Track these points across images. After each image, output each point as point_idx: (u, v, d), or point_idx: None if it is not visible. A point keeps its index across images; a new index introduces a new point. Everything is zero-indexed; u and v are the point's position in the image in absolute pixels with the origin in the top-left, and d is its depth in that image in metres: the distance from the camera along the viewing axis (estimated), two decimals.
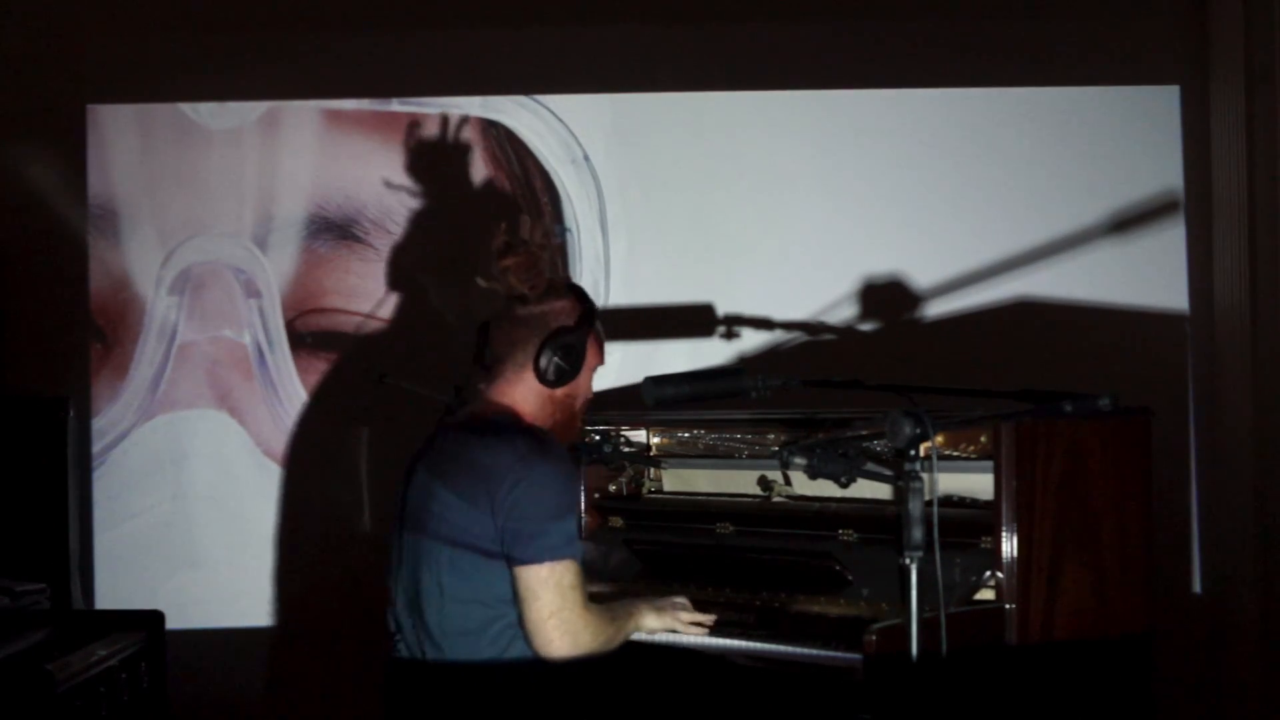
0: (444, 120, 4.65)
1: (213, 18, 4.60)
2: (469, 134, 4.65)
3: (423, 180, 4.63)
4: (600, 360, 3.01)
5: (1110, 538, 3.03)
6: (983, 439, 3.02)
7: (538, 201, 4.65)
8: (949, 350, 4.57)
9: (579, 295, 2.96)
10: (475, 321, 3.00)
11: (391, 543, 2.97)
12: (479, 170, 4.65)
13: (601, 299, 4.60)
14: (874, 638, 2.72)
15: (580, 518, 2.87)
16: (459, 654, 2.80)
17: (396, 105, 4.65)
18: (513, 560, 2.77)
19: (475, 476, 2.80)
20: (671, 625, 3.03)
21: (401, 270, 4.64)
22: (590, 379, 2.99)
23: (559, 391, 2.91)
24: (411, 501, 2.91)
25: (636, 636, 3.00)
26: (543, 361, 2.87)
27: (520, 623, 2.79)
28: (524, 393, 2.90)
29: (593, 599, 2.97)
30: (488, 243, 2.90)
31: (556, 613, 2.77)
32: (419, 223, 4.65)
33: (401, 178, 4.63)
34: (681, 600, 3.10)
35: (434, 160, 4.64)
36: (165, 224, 4.63)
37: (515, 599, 2.79)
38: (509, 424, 2.87)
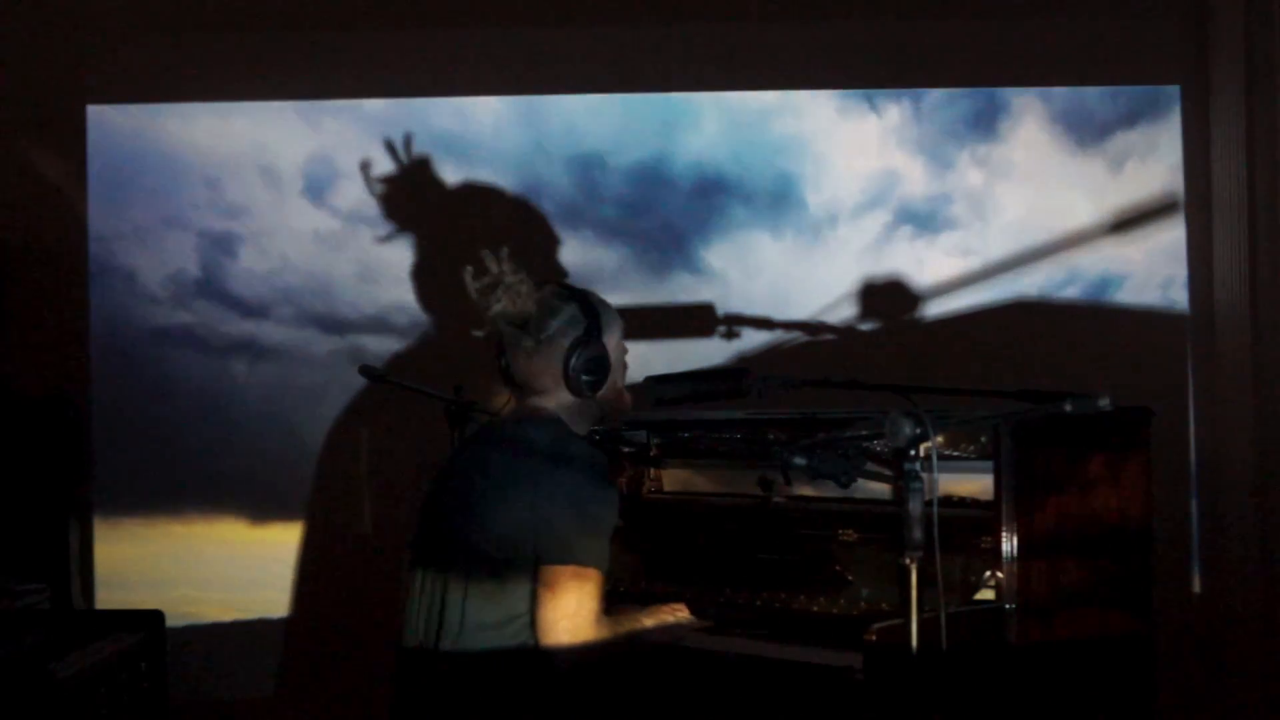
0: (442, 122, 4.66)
1: (213, 18, 4.60)
2: (470, 132, 4.65)
3: (427, 180, 4.63)
4: (624, 349, 3.03)
5: (1110, 538, 3.03)
6: (983, 439, 3.02)
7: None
8: (949, 350, 4.57)
9: (580, 300, 2.96)
10: (477, 321, 2.97)
11: (418, 539, 2.97)
12: (482, 169, 4.64)
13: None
14: (874, 638, 2.72)
15: (610, 526, 2.86)
16: (474, 648, 2.80)
17: (401, 101, 4.66)
18: (541, 558, 2.78)
19: (519, 478, 2.81)
20: (678, 638, 3.04)
21: (401, 268, 4.64)
22: (623, 370, 3.02)
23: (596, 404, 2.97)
24: (445, 499, 2.91)
25: None
26: (573, 381, 2.90)
27: (532, 617, 2.79)
28: (563, 399, 2.94)
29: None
30: (466, 295, 2.87)
31: (571, 616, 2.77)
32: (421, 222, 4.65)
33: (403, 175, 4.64)
34: (679, 607, 3.10)
35: (437, 160, 4.64)
36: (168, 213, 4.64)
37: (533, 595, 2.79)
38: (557, 432, 2.90)
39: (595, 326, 2.93)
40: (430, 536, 2.93)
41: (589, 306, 2.95)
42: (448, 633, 2.82)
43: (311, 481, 4.61)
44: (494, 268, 2.88)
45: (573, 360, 2.89)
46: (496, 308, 2.87)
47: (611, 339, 2.97)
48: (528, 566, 2.79)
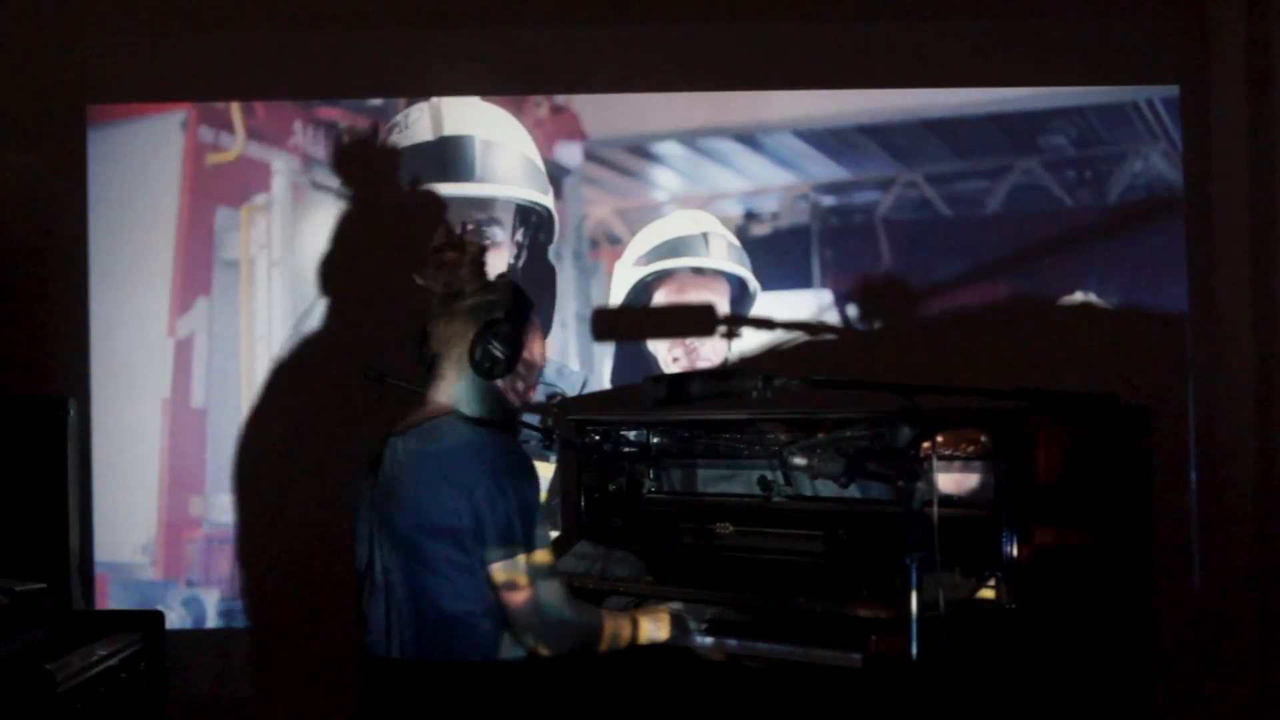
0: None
1: (213, 17, 4.60)
2: (489, 145, 4.64)
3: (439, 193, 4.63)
4: (538, 358, 3.06)
5: (1110, 537, 3.03)
6: (982, 439, 3.02)
7: (553, 217, 4.64)
8: (949, 350, 4.57)
9: (514, 290, 3.01)
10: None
11: (360, 553, 3.00)
12: (490, 184, 4.64)
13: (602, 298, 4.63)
14: (874, 638, 2.72)
15: (539, 505, 2.89)
16: (469, 635, 2.82)
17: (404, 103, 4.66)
18: (486, 559, 2.80)
19: (433, 485, 2.84)
20: (678, 639, 3.05)
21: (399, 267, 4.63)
22: (529, 376, 3.04)
23: (499, 384, 2.96)
24: (376, 512, 2.95)
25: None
26: (478, 353, 2.91)
27: (504, 619, 2.81)
28: (465, 388, 2.95)
29: (594, 601, 2.97)
30: (426, 245, 2.98)
31: (556, 590, 2.82)
32: (418, 220, 4.65)
33: (401, 174, 4.63)
34: (677, 606, 3.10)
35: (431, 158, 4.63)
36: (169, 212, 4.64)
37: (495, 596, 2.81)
38: (455, 425, 2.92)
39: (521, 319, 2.97)
40: (368, 549, 2.96)
41: (522, 301, 3.00)
42: (404, 642, 2.85)
43: (310, 482, 4.59)
44: (462, 234, 2.99)
45: (488, 331, 2.91)
46: (447, 257, 2.95)
47: (533, 343, 3.01)
48: (472, 565, 2.81)
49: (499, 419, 2.96)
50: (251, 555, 4.60)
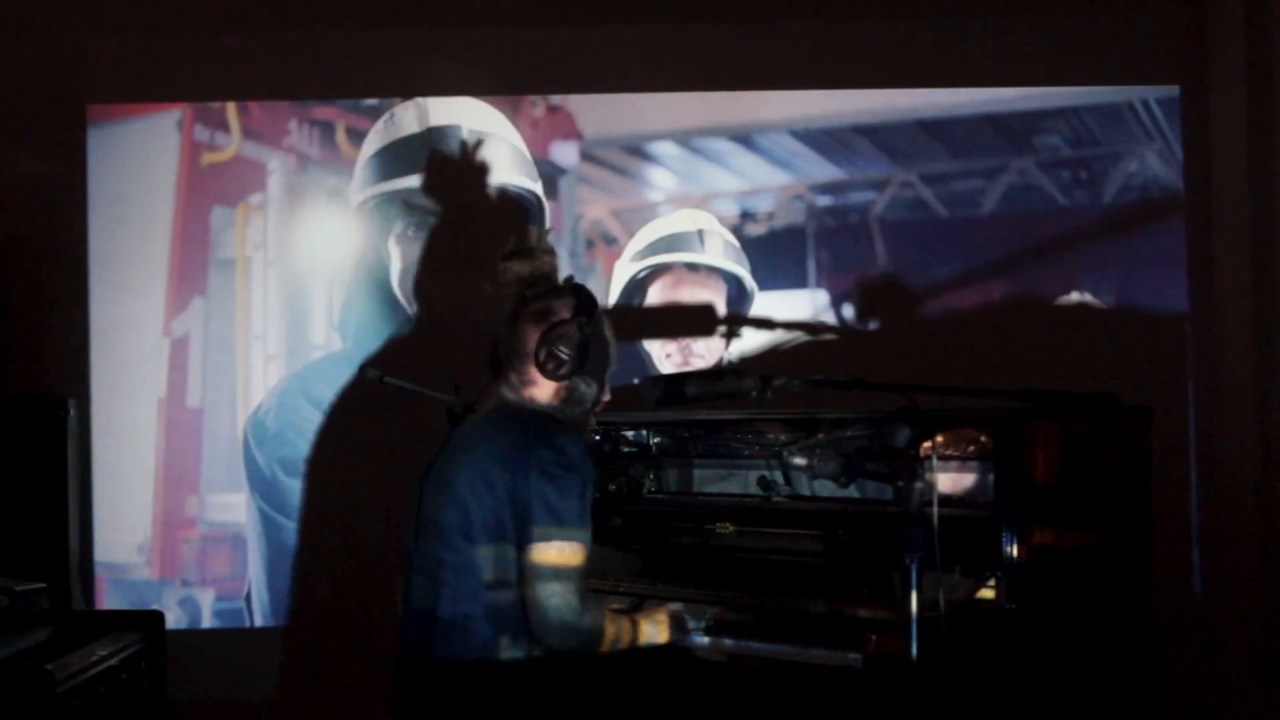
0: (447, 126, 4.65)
1: (213, 17, 4.60)
2: (476, 135, 4.64)
3: (430, 183, 4.63)
4: (608, 359, 3.03)
5: (1110, 537, 3.03)
6: (982, 439, 3.02)
7: (542, 205, 4.64)
8: (949, 350, 4.57)
9: (580, 293, 2.99)
10: (475, 321, 3.03)
11: (407, 544, 2.99)
12: (480, 173, 4.64)
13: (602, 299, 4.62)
14: (874, 638, 2.72)
15: (550, 502, 2.86)
16: (464, 639, 2.81)
17: (399, 102, 4.66)
18: (522, 539, 2.80)
19: (491, 461, 2.84)
20: (680, 639, 3.05)
21: (401, 269, 4.64)
22: (597, 388, 2.99)
23: (565, 386, 2.94)
24: (427, 497, 2.93)
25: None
26: (541, 354, 2.90)
27: (521, 601, 2.81)
28: (533, 388, 2.95)
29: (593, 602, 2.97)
30: (498, 251, 2.98)
31: (559, 593, 2.79)
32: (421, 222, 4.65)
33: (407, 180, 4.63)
34: (676, 607, 3.10)
35: (439, 163, 4.63)
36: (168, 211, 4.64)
37: (519, 578, 2.80)
38: (523, 412, 2.92)
39: (585, 318, 2.93)
40: (413, 538, 2.96)
41: (590, 304, 2.97)
42: (435, 630, 2.84)
43: (310, 482, 4.60)
44: (532, 241, 2.98)
45: (551, 332, 2.89)
46: (515, 264, 2.96)
47: (596, 352, 2.96)
48: (508, 550, 2.82)
49: (538, 414, 2.94)
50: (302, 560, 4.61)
